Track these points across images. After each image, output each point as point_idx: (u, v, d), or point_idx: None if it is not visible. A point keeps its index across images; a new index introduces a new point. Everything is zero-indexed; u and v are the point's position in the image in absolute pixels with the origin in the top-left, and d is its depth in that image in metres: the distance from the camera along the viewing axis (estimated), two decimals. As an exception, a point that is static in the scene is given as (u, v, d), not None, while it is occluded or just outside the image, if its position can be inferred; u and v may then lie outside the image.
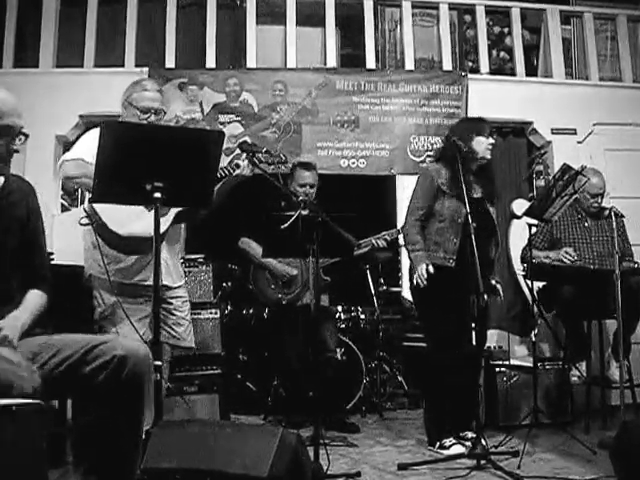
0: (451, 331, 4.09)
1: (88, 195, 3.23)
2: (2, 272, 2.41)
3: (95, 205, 3.21)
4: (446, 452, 4.01)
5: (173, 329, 3.55)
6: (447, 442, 4.06)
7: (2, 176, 2.49)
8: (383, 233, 4.83)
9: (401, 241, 4.69)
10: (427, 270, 4.02)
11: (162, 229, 3.27)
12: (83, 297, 3.45)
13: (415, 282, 4.10)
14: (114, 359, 2.11)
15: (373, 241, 4.82)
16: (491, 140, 4.20)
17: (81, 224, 3.26)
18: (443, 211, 4.17)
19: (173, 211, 3.41)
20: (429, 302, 4.19)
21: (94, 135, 3.34)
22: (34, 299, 2.52)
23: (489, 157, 4.21)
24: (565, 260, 4.81)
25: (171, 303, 3.56)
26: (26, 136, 2.42)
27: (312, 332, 4.23)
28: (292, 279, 4.82)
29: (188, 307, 3.73)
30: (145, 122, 3.43)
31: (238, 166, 3.60)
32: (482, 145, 4.18)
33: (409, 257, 4.24)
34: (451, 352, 4.08)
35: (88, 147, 3.24)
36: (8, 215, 2.43)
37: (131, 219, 3.23)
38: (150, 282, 3.36)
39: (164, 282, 3.43)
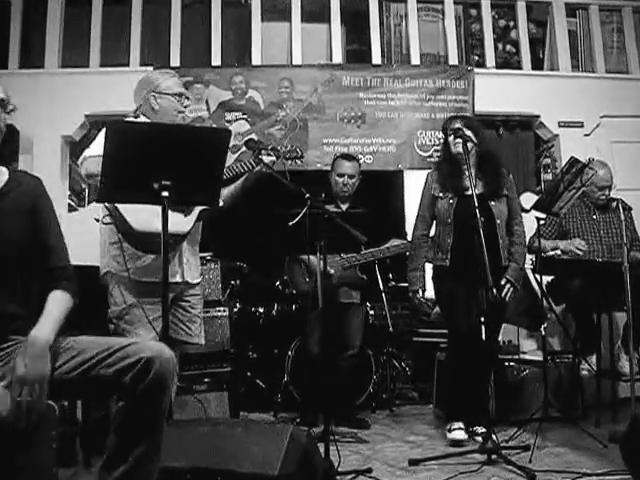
0: (459, 327, 4.19)
1: None
2: (19, 275, 2.37)
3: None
4: (449, 435, 4.13)
5: (187, 326, 3.53)
6: (452, 426, 4.15)
7: (6, 170, 2.46)
8: (395, 244, 4.81)
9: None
10: (418, 294, 4.39)
11: (187, 228, 3.31)
12: (95, 297, 3.41)
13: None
14: (141, 361, 2.10)
15: (382, 254, 4.83)
16: (457, 125, 4.21)
17: (104, 223, 3.21)
18: (438, 214, 4.31)
19: (197, 210, 3.37)
20: (438, 301, 4.49)
21: None
22: (56, 303, 2.35)
23: (460, 147, 4.11)
24: (578, 252, 4.80)
25: (188, 301, 3.54)
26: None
27: (336, 327, 4.40)
28: (329, 278, 4.75)
29: (202, 304, 3.72)
30: (184, 109, 3.47)
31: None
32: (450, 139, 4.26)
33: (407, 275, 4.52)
34: (463, 347, 4.15)
35: None
36: (13, 210, 2.39)
37: (152, 216, 3.19)
38: (169, 280, 3.35)
39: (186, 278, 3.45)
